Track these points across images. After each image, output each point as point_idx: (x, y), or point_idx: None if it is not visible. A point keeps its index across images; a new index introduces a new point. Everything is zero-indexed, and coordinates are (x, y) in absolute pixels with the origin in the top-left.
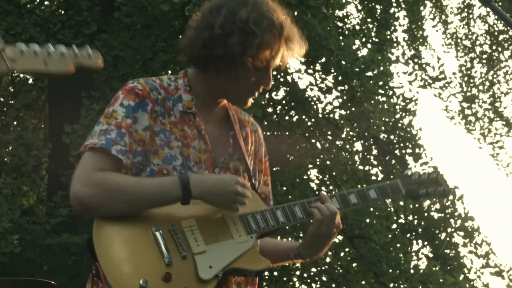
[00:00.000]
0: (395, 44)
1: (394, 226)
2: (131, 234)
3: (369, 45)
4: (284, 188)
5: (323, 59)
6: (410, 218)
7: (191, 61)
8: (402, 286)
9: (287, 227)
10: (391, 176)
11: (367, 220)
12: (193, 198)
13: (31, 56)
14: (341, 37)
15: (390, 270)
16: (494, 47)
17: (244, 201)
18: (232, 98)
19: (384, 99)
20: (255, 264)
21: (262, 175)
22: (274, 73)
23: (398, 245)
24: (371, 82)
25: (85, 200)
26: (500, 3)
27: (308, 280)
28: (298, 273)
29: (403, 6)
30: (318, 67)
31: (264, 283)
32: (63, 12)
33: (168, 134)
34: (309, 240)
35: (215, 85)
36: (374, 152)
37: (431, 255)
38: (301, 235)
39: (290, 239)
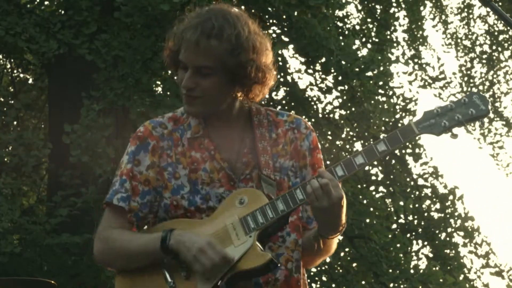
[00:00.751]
0: (395, 44)
1: (394, 226)
2: (142, 272)
3: (369, 45)
4: None
5: (323, 59)
6: (410, 218)
7: None
8: (402, 286)
9: None
10: (391, 176)
11: (367, 220)
12: (172, 252)
13: None
14: (341, 37)
15: (390, 270)
16: (494, 47)
17: (205, 262)
18: None
19: (384, 99)
20: (254, 261)
21: (308, 170)
22: (274, 73)
23: (398, 245)
24: (371, 82)
25: (97, 257)
26: (500, 3)
27: (308, 280)
28: None
29: (403, 6)
30: (318, 67)
31: None
32: (63, 12)
33: (175, 165)
34: (315, 218)
35: None
36: None
37: (431, 255)
38: None
39: None
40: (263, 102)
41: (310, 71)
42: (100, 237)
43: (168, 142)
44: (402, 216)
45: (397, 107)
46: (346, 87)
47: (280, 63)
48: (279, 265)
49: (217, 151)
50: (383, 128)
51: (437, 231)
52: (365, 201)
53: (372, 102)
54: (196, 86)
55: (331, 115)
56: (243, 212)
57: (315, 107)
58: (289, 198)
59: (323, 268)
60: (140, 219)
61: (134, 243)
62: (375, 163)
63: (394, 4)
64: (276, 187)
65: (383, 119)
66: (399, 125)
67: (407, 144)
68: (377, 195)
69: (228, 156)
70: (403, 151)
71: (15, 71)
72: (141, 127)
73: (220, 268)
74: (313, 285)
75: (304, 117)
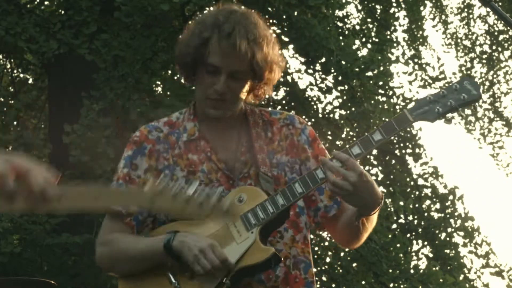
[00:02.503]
0: (395, 44)
1: (394, 226)
2: (144, 274)
3: (369, 45)
4: None
5: (323, 59)
6: (410, 218)
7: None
8: (402, 286)
9: None
10: (391, 176)
11: None
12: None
13: (170, 197)
14: (341, 37)
15: (390, 270)
16: (494, 47)
17: (203, 263)
18: (200, 108)
19: (384, 99)
20: (258, 256)
21: (311, 162)
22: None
23: (398, 245)
24: (371, 82)
25: (100, 262)
26: (500, 3)
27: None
28: None
29: (403, 6)
30: (318, 67)
31: None
32: (63, 12)
33: (172, 168)
34: (348, 202)
35: None
36: (374, 152)
37: (431, 255)
38: None
39: None
40: (262, 102)
41: (310, 71)
42: (101, 242)
43: (164, 145)
44: (402, 216)
45: (397, 107)
46: (346, 87)
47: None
48: (282, 259)
49: (213, 152)
50: None
51: (437, 231)
52: None
53: (372, 102)
54: (228, 90)
55: (331, 115)
56: (243, 210)
57: (315, 107)
58: (288, 192)
59: (323, 268)
60: (140, 223)
61: (138, 245)
62: (375, 163)
63: (394, 4)
64: (274, 183)
65: (383, 119)
66: None
67: (407, 144)
68: None
69: (225, 157)
70: (403, 151)
71: (15, 71)
72: (137, 132)
73: (220, 271)
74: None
75: (304, 117)
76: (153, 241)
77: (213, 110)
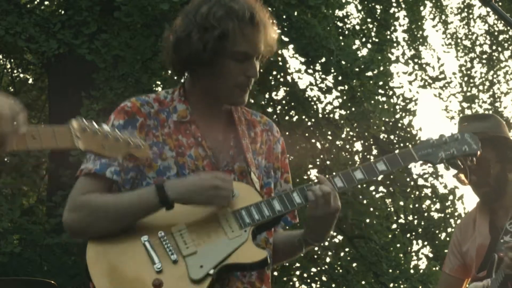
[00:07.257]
0: (395, 44)
1: (394, 226)
2: (121, 248)
3: (369, 45)
4: None
5: (323, 59)
6: (410, 218)
7: (171, 69)
8: (402, 286)
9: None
10: (391, 176)
11: (367, 220)
12: (171, 201)
13: (91, 135)
14: (341, 37)
15: (390, 270)
16: (494, 47)
17: (225, 194)
18: (223, 98)
19: (384, 99)
20: (250, 257)
21: (281, 173)
22: (274, 73)
23: (398, 245)
24: (371, 82)
25: (71, 226)
26: (500, 3)
27: (308, 280)
28: (298, 273)
29: (403, 6)
30: (318, 67)
31: None
32: (63, 12)
33: (161, 146)
34: (308, 224)
35: (204, 88)
36: (374, 152)
37: (431, 255)
38: None
39: None
40: (263, 102)
41: (310, 71)
42: (73, 206)
43: (154, 122)
44: (402, 216)
45: (397, 107)
46: (346, 87)
47: (280, 63)
48: (270, 263)
49: (204, 138)
50: (383, 128)
51: (437, 231)
52: (365, 201)
53: (372, 102)
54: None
55: (331, 115)
56: (235, 206)
57: (315, 107)
58: (286, 200)
59: (323, 268)
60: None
61: (124, 199)
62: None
63: (394, 4)
64: None
65: (383, 119)
66: (399, 125)
67: (407, 144)
68: (377, 195)
69: (213, 146)
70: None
71: (15, 71)
72: (128, 102)
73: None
74: (313, 285)
75: (304, 117)
76: (140, 193)
77: (242, 98)
